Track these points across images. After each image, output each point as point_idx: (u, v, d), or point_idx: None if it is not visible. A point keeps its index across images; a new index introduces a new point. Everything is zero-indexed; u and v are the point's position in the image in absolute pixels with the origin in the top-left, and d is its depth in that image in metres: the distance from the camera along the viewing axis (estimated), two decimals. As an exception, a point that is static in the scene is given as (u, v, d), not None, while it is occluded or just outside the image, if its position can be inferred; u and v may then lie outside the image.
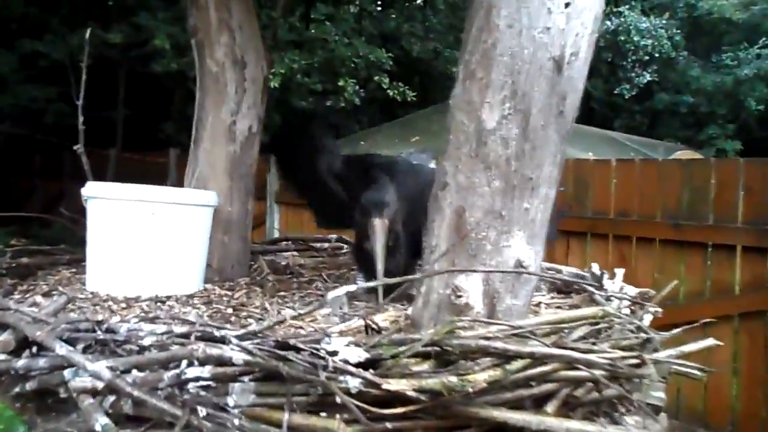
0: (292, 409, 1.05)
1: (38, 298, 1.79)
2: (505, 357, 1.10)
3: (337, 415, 1.05)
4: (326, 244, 2.95)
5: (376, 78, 10.16)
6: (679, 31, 11.81)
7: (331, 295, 2.03)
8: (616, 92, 11.75)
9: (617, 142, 11.26)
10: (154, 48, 7.52)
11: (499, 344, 1.10)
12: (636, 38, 11.43)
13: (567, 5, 1.31)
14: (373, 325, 1.42)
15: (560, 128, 1.39)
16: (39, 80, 8.00)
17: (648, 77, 11.48)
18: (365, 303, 2.18)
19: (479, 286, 1.45)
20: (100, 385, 1.08)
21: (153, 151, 7.57)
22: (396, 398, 1.05)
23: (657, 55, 11.46)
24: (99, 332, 1.20)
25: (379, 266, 1.94)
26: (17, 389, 1.19)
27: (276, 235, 6.89)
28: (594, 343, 1.32)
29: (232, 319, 1.84)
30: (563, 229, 3.65)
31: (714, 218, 3.18)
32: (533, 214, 1.44)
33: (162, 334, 1.17)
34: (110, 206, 1.99)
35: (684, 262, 3.34)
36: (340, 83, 9.39)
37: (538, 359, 1.13)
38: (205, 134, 2.36)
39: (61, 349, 1.11)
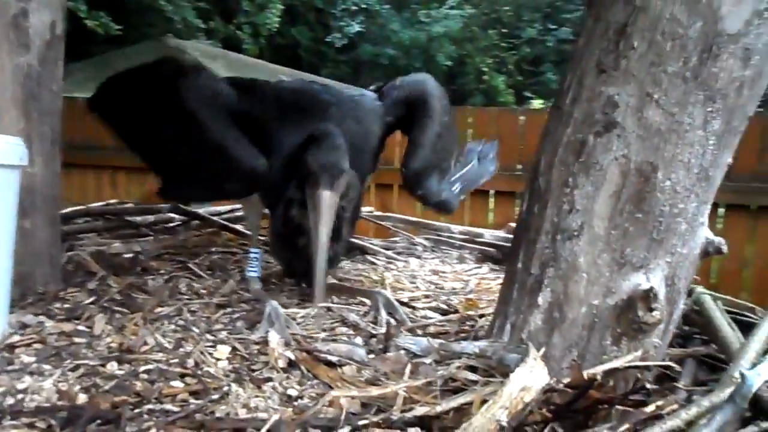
0: None
1: None
2: None
3: None
4: (150, 217, 1.94)
5: (70, 4, 8.12)
6: (381, -16, 12.13)
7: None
8: (328, 41, 11.60)
9: (333, 90, 11.19)
10: None
11: None
12: (344, -13, 11.36)
13: None
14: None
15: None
16: None
17: (356, 27, 11.58)
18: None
19: (663, 288, 0.88)
20: None
21: None
22: None
23: (363, 6, 11.60)
24: None
25: (321, 259, 1.21)
26: None
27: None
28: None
29: (140, 387, 0.90)
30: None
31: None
32: (724, 172, 0.92)
33: None
34: None
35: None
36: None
37: None
38: (-37, 31, 1.20)
39: None
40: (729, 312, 1.16)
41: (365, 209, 2.20)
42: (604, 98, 0.85)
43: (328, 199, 1.20)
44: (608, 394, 0.74)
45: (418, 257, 1.97)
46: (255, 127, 1.34)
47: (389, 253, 1.96)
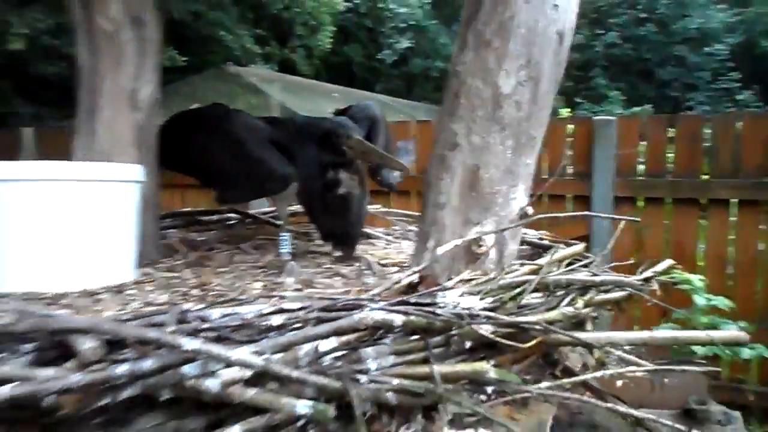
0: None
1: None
2: (583, 288, 1.31)
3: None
4: (214, 217, 2.80)
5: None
6: (427, 1, 13.01)
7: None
8: (379, 57, 12.57)
9: (385, 105, 12.11)
10: None
11: (583, 276, 1.30)
12: (392, 6, 12.28)
13: (570, -15, 1.52)
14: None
15: (554, 93, 1.61)
16: None
17: (406, 43, 12.48)
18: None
19: (492, 236, 1.61)
20: (248, 373, 1.01)
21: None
22: (515, 335, 1.18)
23: (412, 22, 12.51)
24: (200, 321, 1.10)
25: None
26: (106, 400, 1.03)
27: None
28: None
29: (209, 298, 1.72)
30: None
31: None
32: (531, 168, 1.64)
33: (297, 310, 1.12)
34: (22, 190, 1.67)
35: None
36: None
37: (598, 285, 1.36)
38: (102, 102, 2.07)
39: (191, 343, 1.00)
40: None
41: (373, 207, 2.99)
42: (451, 130, 1.60)
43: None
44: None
45: (410, 240, 2.73)
46: (282, 148, 2.15)
47: (388, 237, 2.73)
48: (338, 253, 2.33)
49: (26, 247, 1.68)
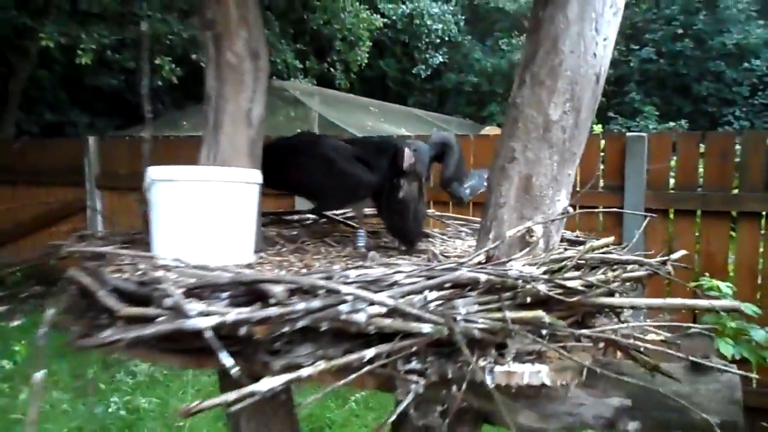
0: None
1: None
2: (613, 264, 1.82)
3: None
4: (296, 216, 3.36)
5: (194, 56, 10.00)
6: (463, 17, 13.57)
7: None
8: (414, 72, 13.16)
9: (418, 118, 12.64)
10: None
11: (613, 256, 1.81)
12: (429, 22, 12.88)
13: (605, 39, 2.03)
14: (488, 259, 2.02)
15: (591, 119, 2.12)
16: None
17: (440, 58, 13.05)
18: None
19: (541, 228, 2.13)
20: (384, 310, 1.54)
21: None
22: (564, 294, 1.69)
23: (446, 38, 13.08)
24: (344, 278, 1.64)
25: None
26: (285, 329, 1.57)
27: (100, 220, 7.35)
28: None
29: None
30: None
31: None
32: (572, 177, 2.16)
33: (411, 271, 1.65)
34: (181, 188, 2.24)
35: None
36: (157, 61, 9.18)
37: (625, 263, 1.87)
38: (225, 120, 2.65)
39: (347, 288, 1.54)
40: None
41: (429, 211, 3.52)
42: (510, 147, 2.13)
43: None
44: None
45: (462, 239, 3.25)
46: (363, 162, 2.70)
47: (443, 236, 3.26)
48: (404, 247, 2.87)
49: (181, 231, 2.24)
